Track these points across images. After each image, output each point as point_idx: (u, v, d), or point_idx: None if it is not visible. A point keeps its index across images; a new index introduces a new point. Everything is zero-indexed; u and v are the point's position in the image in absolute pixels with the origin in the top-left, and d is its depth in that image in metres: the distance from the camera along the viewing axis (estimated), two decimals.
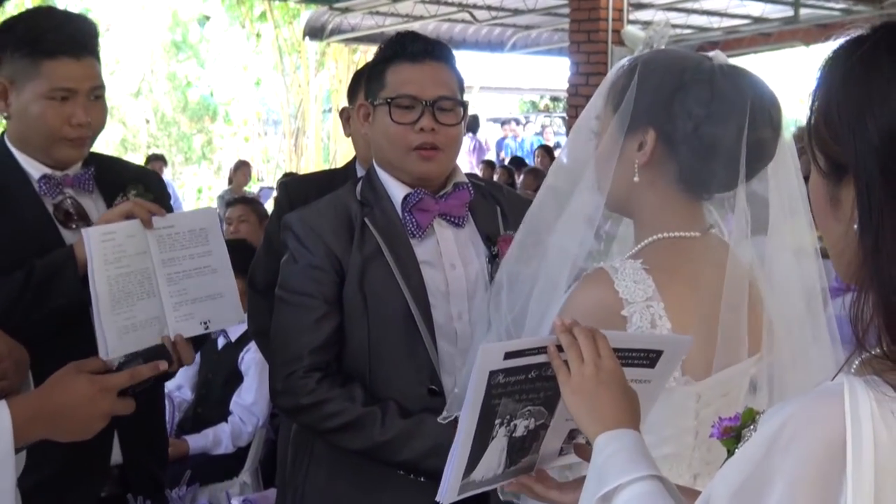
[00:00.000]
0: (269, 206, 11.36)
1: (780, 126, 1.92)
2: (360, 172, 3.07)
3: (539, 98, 30.03)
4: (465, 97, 2.55)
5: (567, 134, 11.62)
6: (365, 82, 2.56)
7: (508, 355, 1.60)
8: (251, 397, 4.74)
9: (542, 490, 1.77)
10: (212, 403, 4.81)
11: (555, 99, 27.58)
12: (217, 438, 4.70)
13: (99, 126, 2.55)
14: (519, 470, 1.77)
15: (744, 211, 1.92)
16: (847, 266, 1.22)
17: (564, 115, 15.45)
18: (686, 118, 1.88)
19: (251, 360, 4.72)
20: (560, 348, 1.61)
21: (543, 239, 2.07)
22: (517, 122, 24.78)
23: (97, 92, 2.51)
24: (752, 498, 1.14)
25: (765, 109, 1.89)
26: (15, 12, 2.55)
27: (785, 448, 1.13)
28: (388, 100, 2.43)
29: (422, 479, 2.35)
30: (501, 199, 2.62)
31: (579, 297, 1.88)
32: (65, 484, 2.47)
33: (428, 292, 2.42)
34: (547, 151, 14.47)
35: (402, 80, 2.43)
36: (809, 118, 1.24)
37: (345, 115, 3.21)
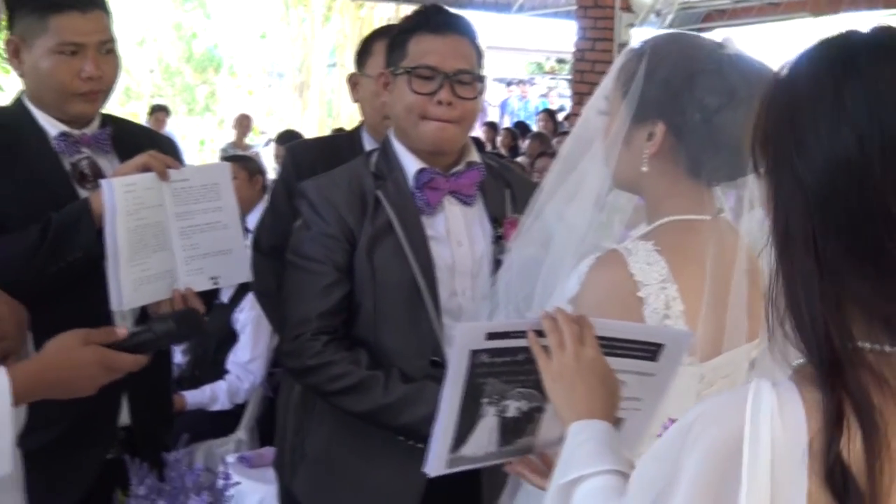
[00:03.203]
0: (266, 153, 11.43)
1: None
2: (367, 139, 3.08)
3: (545, 59, 29.88)
4: None
5: (572, 97, 11.57)
6: (387, 51, 2.58)
7: (491, 336, 1.62)
8: (247, 355, 4.78)
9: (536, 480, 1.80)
10: (208, 365, 4.83)
11: (560, 61, 27.43)
12: (214, 395, 4.74)
13: (111, 80, 2.55)
14: (515, 451, 1.78)
15: (751, 198, 1.93)
16: None
17: (570, 77, 15.38)
18: (695, 110, 1.87)
19: (246, 319, 4.76)
20: (540, 334, 1.62)
21: (553, 214, 2.08)
22: (531, 83, 24.65)
23: (107, 46, 2.51)
24: (662, 493, 1.17)
25: None
26: None
27: (691, 446, 1.16)
28: (409, 69, 2.45)
29: (420, 446, 2.38)
30: (512, 181, 2.66)
31: (594, 278, 1.88)
32: (72, 445, 2.49)
33: (434, 267, 2.45)
34: (550, 115, 14.41)
35: (424, 50, 2.46)
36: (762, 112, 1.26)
37: (352, 81, 3.21)
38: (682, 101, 1.88)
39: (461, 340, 1.61)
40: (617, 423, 1.68)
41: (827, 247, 1.15)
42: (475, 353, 1.62)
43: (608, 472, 1.46)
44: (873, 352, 1.15)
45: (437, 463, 1.73)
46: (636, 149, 1.93)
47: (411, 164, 2.51)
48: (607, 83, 2.00)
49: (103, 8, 2.52)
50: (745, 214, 1.98)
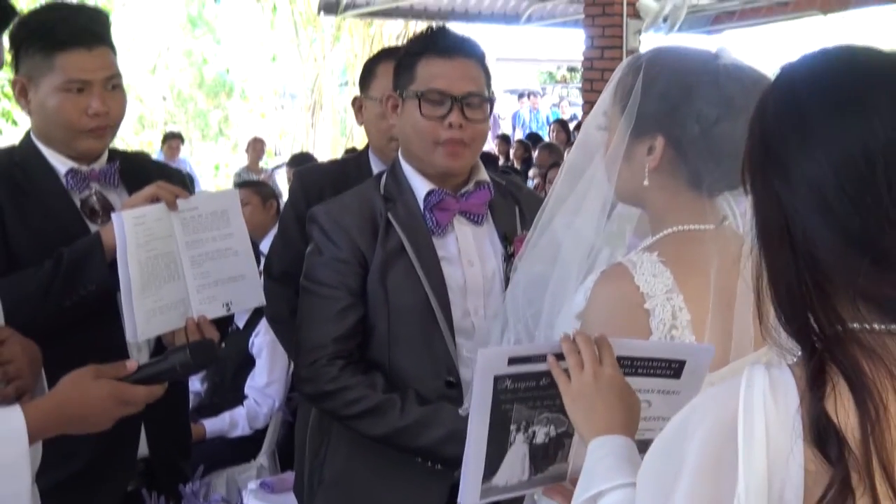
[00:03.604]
0: (280, 179, 11.46)
1: None
2: (374, 161, 3.09)
3: (556, 68, 29.91)
4: None
5: (582, 107, 11.56)
6: (394, 74, 2.59)
7: (513, 361, 1.63)
8: (264, 379, 4.79)
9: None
10: (226, 391, 4.85)
11: (572, 69, 27.44)
12: (234, 421, 4.75)
13: (118, 116, 2.56)
14: (548, 478, 1.78)
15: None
16: None
17: (581, 86, 15.40)
18: (693, 122, 1.88)
19: (262, 343, 4.77)
20: (560, 357, 1.64)
21: (558, 230, 2.08)
22: (542, 93, 24.68)
23: (113, 81, 2.52)
24: (668, 486, 1.21)
25: None
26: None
27: (691, 436, 1.20)
28: (418, 94, 2.46)
29: (438, 467, 2.40)
30: (520, 199, 2.67)
31: (601, 293, 1.89)
32: (93, 479, 2.50)
33: (447, 288, 2.47)
34: (562, 126, 14.39)
35: (433, 74, 2.47)
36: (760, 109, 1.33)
37: (356, 103, 3.22)
38: (680, 113, 1.88)
39: (483, 366, 1.62)
40: (646, 445, 1.68)
41: (804, 239, 1.20)
42: (498, 379, 1.63)
43: (628, 485, 1.47)
44: (863, 331, 1.19)
45: (470, 494, 1.72)
46: (637, 163, 1.94)
47: (420, 186, 2.53)
48: (605, 98, 2.01)
49: (108, 44, 2.54)
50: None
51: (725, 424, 1.17)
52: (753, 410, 1.16)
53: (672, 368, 1.72)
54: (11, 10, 2.07)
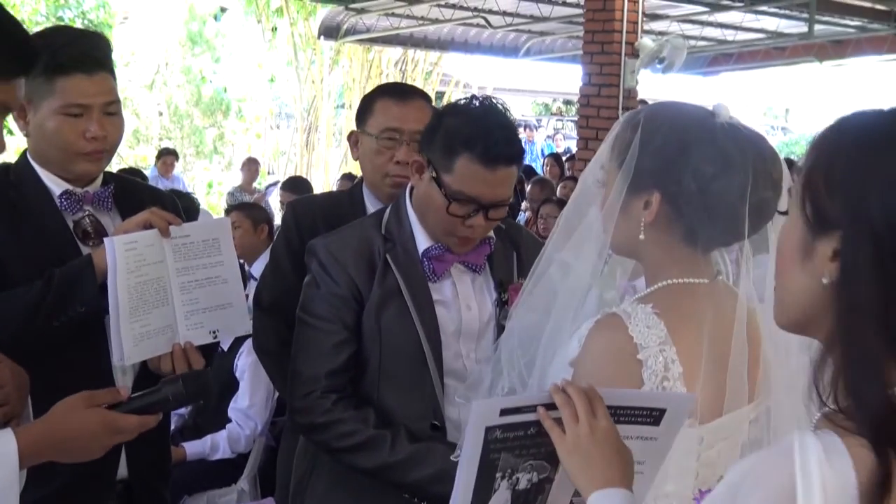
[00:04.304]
0: (273, 200, 11.47)
1: (780, 183, 1.93)
2: (367, 196, 3.09)
3: (552, 101, 30.05)
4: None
5: (577, 142, 11.60)
6: (427, 137, 2.50)
7: (505, 412, 1.63)
8: (246, 401, 4.77)
9: None
10: (210, 413, 4.83)
11: (567, 102, 27.58)
12: (215, 444, 4.73)
13: (115, 140, 2.58)
14: None
15: (748, 262, 1.95)
16: (796, 315, 1.30)
17: (576, 119, 15.48)
18: (690, 179, 1.89)
19: (244, 365, 4.76)
20: (550, 406, 1.64)
21: (554, 279, 2.09)
22: (537, 126, 24.75)
23: (111, 108, 2.54)
24: None
25: (766, 170, 1.91)
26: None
27: (744, 500, 1.21)
28: (451, 194, 2.41)
29: None
30: (520, 243, 2.68)
31: (594, 341, 1.90)
32: (71, 499, 2.48)
33: (440, 331, 2.48)
34: (556, 160, 14.41)
35: (472, 180, 2.39)
36: (810, 162, 1.29)
37: (353, 138, 3.20)
38: (677, 170, 1.90)
39: (476, 418, 1.62)
40: None
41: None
42: (489, 430, 1.63)
43: None
44: None
45: None
46: (633, 217, 1.95)
47: (421, 238, 2.54)
48: (603, 152, 2.02)
49: (109, 70, 2.55)
50: (744, 274, 1.99)
51: (781, 489, 1.18)
52: (812, 475, 1.17)
53: (652, 416, 1.73)
54: (34, 56, 2.07)
